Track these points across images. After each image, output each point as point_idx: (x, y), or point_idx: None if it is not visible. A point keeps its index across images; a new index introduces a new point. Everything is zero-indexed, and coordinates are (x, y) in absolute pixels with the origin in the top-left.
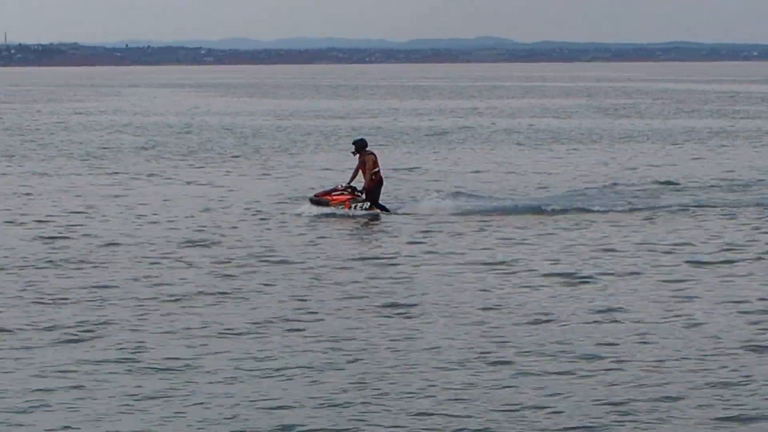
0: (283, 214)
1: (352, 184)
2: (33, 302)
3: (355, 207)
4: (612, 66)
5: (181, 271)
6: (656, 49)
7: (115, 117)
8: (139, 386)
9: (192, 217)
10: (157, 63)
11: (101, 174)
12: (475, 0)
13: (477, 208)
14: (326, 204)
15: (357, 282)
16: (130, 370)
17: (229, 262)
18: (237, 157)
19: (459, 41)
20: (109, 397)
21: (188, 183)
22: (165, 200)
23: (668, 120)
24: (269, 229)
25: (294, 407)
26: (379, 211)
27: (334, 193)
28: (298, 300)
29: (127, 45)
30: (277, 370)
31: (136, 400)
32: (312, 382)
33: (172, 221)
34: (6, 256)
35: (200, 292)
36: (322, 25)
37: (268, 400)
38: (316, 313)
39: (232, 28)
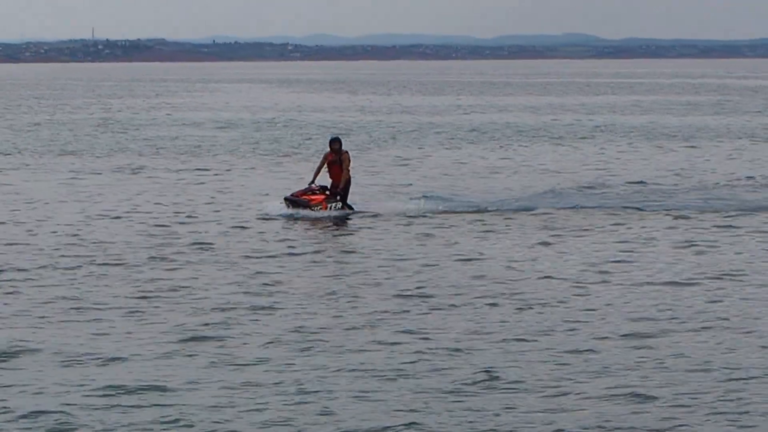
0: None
1: (316, 182)
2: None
3: (331, 207)
4: (700, 63)
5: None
6: (743, 45)
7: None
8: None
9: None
10: (243, 59)
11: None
12: None
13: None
14: (305, 204)
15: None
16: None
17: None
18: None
19: (545, 37)
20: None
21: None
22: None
23: None
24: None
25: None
26: (349, 210)
27: (310, 194)
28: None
29: (213, 41)
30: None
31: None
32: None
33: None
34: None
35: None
36: (407, 21)
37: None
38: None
39: (317, 23)
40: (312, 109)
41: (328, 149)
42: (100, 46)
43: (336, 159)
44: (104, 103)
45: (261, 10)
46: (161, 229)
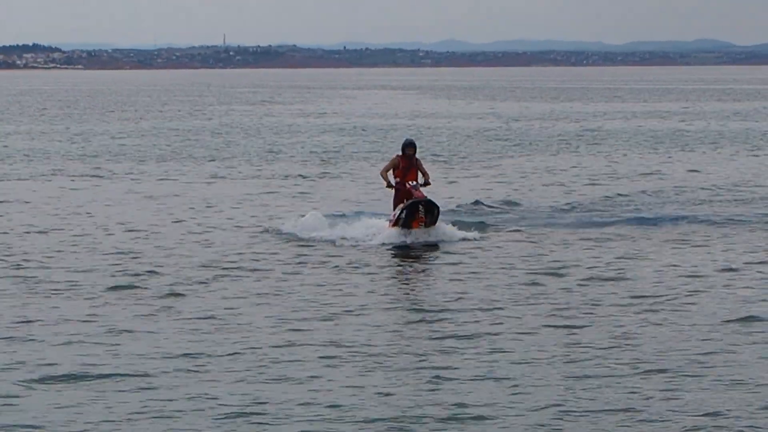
0: None
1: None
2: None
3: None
4: None
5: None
6: None
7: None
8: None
9: None
10: (375, 65)
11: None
12: (693, 1)
13: None
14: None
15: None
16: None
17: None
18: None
19: (677, 43)
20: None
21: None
22: None
23: None
24: None
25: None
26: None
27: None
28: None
29: (344, 47)
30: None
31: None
32: None
33: None
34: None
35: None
36: (538, 27)
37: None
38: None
39: (448, 29)
40: (449, 116)
41: (399, 153)
42: (231, 53)
43: (409, 164)
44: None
45: (392, 16)
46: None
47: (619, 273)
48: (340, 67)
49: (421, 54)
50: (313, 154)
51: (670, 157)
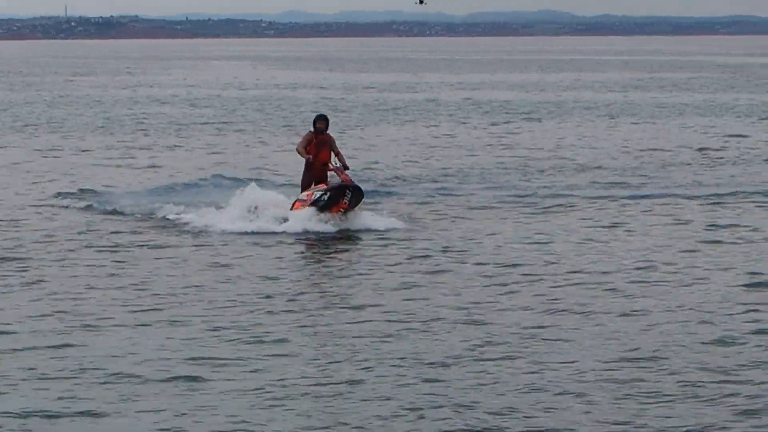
0: None
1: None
2: None
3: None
4: (672, 40)
5: None
6: (716, 23)
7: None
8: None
9: None
10: (218, 36)
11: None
12: None
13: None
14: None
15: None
16: None
17: None
18: None
19: (519, 14)
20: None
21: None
22: None
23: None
24: None
25: None
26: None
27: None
28: None
29: (187, 17)
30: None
31: None
32: None
33: None
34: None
35: None
36: None
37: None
38: None
39: (292, 1)
40: (287, 86)
41: (311, 129)
42: (73, 23)
43: (322, 140)
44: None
45: None
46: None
47: (467, 247)
48: (182, 38)
49: (263, 25)
50: (157, 126)
51: (518, 128)
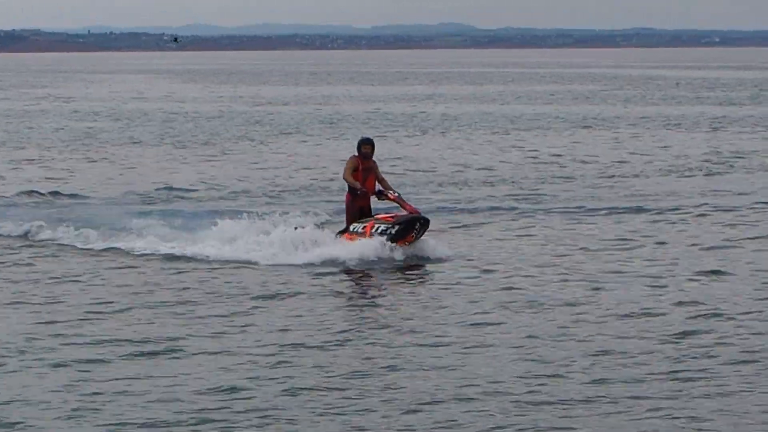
0: None
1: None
2: None
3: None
4: (574, 52)
5: None
6: (618, 35)
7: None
8: None
9: None
10: (120, 49)
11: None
12: None
13: None
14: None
15: None
16: None
17: None
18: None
19: (422, 27)
20: None
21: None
22: None
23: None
24: None
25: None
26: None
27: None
28: None
29: (89, 31)
30: None
31: None
32: None
33: None
34: None
35: None
36: (285, 11)
37: None
38: None
39: (194, 14)
40: (184, 99)
41: (355, 154)
42: None
43: (368, 166)
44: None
45: (137, 0)
46: None
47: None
48: (85, 51)
49: (166, 38)
50: (64, 139)
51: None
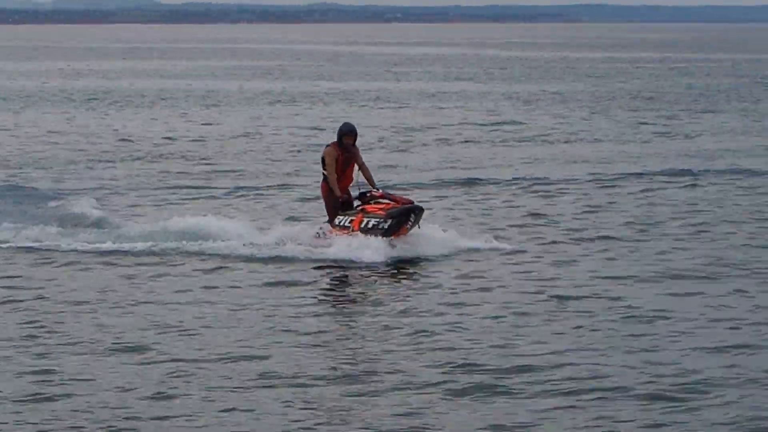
0: None
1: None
2: None
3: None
4: (258, 28)
5: None
6: (300, 11)
7: None
8: None
9: None
10: None
11: None
12: None
13: None
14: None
15: None
16: None
17: None
18: None
19: (103, 2)
20: None
21: None
22: None
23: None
24: None
25: None
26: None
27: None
28: None
29: None
30: None
31: None
32: None
33: None
34: None
35: None
36: None
37: None
38: None
39: None
40: None
41: (333, 142)
42: None
43: (349, 157)
44: None
45: None
46: None
47: None
48: None
49: None
50: None
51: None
